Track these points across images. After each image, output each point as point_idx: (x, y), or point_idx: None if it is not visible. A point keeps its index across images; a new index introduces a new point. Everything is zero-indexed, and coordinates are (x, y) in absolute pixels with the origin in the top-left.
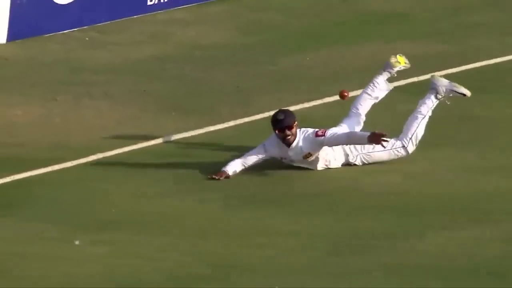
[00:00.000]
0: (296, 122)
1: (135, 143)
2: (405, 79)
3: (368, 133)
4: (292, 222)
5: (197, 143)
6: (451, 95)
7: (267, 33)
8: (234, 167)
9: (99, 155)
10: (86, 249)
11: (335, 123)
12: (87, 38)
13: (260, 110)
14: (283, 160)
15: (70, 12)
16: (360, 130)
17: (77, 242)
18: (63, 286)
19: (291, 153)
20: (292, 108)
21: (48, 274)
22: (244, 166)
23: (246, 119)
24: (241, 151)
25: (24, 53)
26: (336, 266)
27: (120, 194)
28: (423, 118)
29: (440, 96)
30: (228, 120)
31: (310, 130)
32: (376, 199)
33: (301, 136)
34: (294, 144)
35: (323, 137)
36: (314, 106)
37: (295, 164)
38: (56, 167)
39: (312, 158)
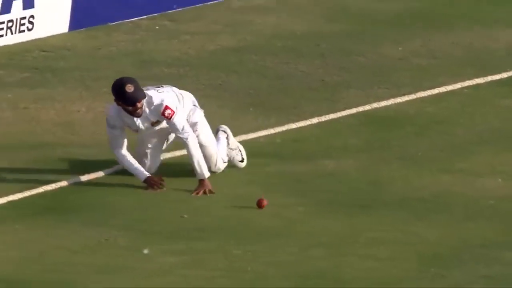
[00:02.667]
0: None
1: None
2: (507, 71)
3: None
4: (384, 229)
5: (277, 142)
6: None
7: (355, 20)
8: (135, 164)
9: (168, 155)
10: (156, 259)
11: (429, 120)
12: (157, 27)
13: (347, 106)
14: (132, 129)
15: None
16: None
17: (146, 251)
18: None
19: (137, 122)
20: (382, 103)
21: (115, 287)
22: (125, 155)
23: (332, 116)
24: (324, 150)
25: (88, 44)
26: (432, 278)
27: (192, 198)
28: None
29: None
30: (312, 117)
31: (158, 101)
32: (474, 205)
33: (148, 106)
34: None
35: (167, 119)
36: (407, 101)
37: (148, 133)
38: (118, 168)
39: (162, 125)
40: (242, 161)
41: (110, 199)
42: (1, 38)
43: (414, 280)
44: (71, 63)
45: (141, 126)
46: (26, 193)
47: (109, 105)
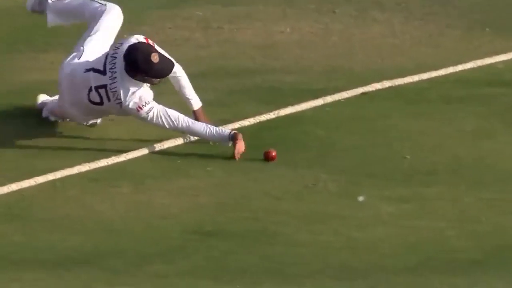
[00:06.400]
0: None
1: (435, 69)
2: None
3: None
4: None
5: None
6: None
7: None
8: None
9: (386, 83)
10: (373, 207)
11: None
12: None
13: None
14: None
15: None
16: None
17: (360, 198)
18: (345, 253)
19: None
20: None
21: (323, 239)
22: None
23: None
24: None
25: None
26: None
27: (409, 134)
28: None
29: None
30: None
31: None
32: None
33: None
34: None
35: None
36: None
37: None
38: (330, 99)
39: None
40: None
41: (321, 135)
42: None
43: None
44: None
45: None
46: None
47: (134, 91)
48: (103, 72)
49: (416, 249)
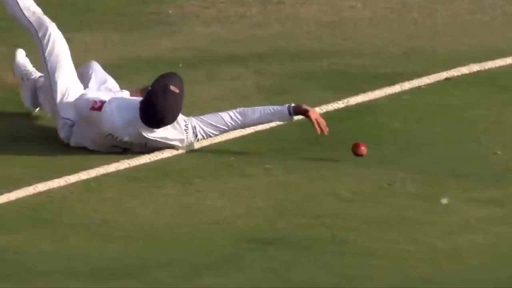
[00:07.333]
0: None
1: None
2: None
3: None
4: None
5: None
6: None
7: None
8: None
9: (474, 67)
10: (459, 210)
11: None
12: None
13: None
14: None
15: None
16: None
17: (444, 201)
18: (426, 265)
19: None
20: None
21: (400, 248)
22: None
23: None
24: None
25: None
26: None
27: (500, 126)
28: None
29: None
30: None
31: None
32: None
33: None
34: None
35: None
36: None
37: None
38: (408, 85)
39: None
40: None
41: (398, 128)
42: None
43: None
44: None
45: None
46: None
47: (170, 129)
48: (125, 150)
49: (509, 260)
